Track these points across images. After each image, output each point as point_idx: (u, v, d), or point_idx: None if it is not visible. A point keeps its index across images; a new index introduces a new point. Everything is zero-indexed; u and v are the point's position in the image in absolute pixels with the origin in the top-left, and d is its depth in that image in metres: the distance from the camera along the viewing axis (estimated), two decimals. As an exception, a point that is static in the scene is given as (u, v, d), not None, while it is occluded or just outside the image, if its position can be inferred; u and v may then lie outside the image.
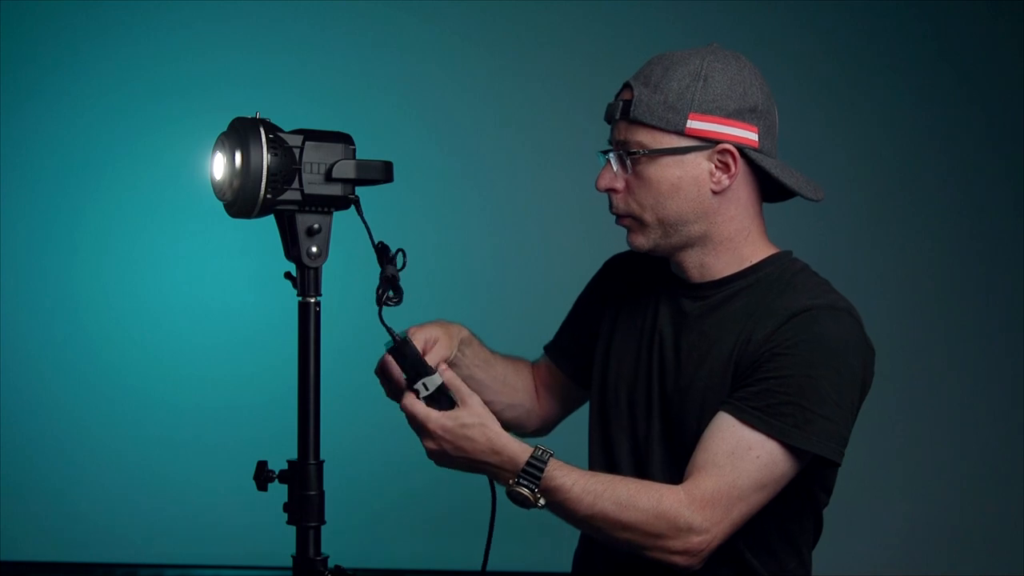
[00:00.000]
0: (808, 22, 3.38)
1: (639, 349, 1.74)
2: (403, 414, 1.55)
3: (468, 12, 3.38)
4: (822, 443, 1.56)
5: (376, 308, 1.46)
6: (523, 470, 1.51)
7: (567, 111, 3.30)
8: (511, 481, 1.51)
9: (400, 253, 1.47)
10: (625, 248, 1.74)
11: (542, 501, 1.51)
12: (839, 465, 1.60)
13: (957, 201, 3.35)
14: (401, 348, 1.51)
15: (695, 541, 1.53)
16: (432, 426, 1.52)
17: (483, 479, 1.58)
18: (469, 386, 1.59)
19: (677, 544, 1.53)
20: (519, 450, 1.52)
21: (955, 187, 3.35)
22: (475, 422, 1.52)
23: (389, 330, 1.50)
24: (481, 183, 3.40)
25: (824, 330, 1.59)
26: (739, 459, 1.54)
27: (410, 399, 1.53)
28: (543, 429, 1.95)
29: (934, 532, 3.29)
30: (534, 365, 1.93)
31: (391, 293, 1.47)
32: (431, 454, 1.54)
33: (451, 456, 1.53)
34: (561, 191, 3.35)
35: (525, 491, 1.50)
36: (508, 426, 1.85)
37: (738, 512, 1.55)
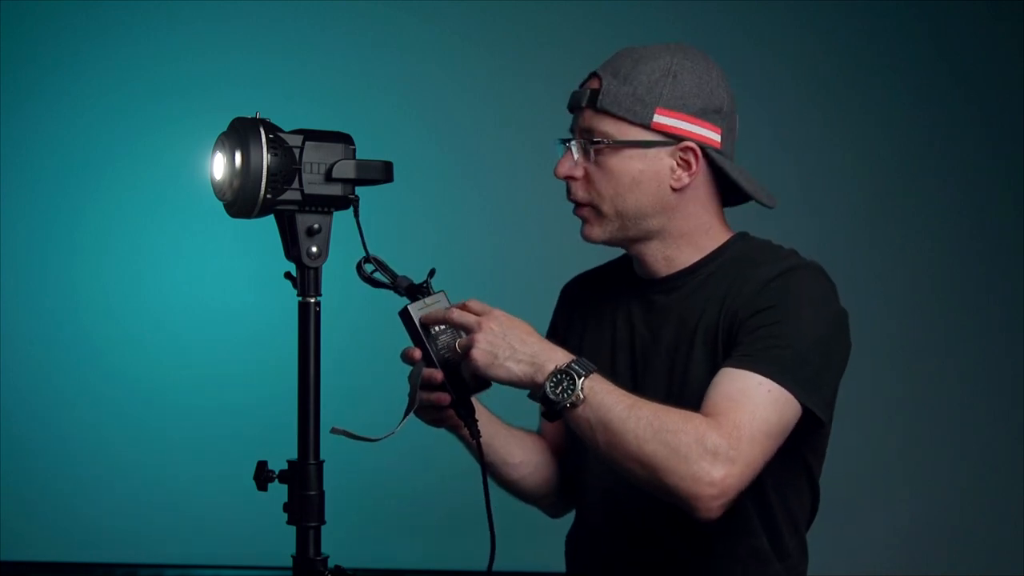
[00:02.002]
0: (808, 22, 3.38)
1: (626, 356, 1.73)
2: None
3: (468, 12, 3.38)
4: (808, 393, 1.55)
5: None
6: (575, 360, 1.49)
7: (567, 111, 3.29)
8: (557, 366, 1.49)
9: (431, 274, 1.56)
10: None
11: (584, 393, 1.47)
12: (823, 424, 1.59)
13: (956, 201, 3.35)
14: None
15: (720, 471, 1.44)
16: (498, 312, 1.54)
17: (478, 481, 1.58)
18: (494, 441, 1.67)
19: (702, 468, 1.44)
20: (568, 353, 1.53)
21: (954, 187, 3.35)
22: (531, 327, 1.56)
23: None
24: (481, 183, 3.40)
25: (804, 285, 1.62)
26: (752, 393, 1.51)
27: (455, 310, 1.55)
28: (567, 494, 1.89)
29: (934, 532, 3.29)
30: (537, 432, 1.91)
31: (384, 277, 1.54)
32: (485, 338, 1.51)
33: (504, 340, 1.51)
34: (561, 191, 3.32)
35: (573, 374, 1.47)
36: (533, 495, 1.86)
37: (760, 451, 1.50)
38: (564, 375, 1.48)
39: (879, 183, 3.36)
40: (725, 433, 1.46)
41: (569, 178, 1.69)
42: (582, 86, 1.70)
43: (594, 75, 1.69)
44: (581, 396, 1.47)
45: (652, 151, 1.65)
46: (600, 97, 1.64)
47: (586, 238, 1.72)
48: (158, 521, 3.35)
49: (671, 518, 1.59)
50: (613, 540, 1.72)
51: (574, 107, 1.70)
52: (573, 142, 1.68)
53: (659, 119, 1.64)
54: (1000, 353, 3.32)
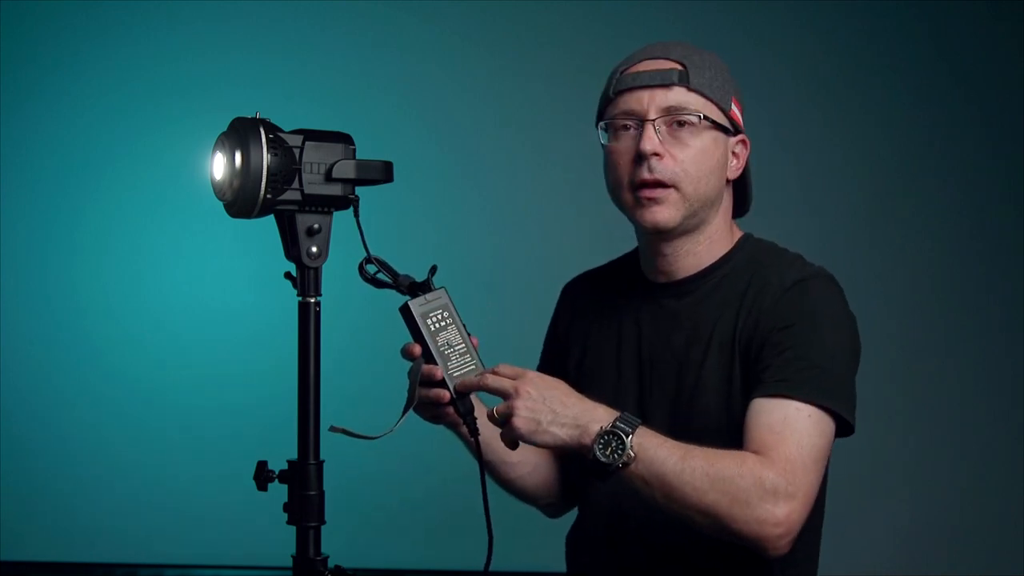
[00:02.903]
0: (808, 22, 3.38)
1: (632, 360, 1.73)
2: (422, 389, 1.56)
3: (468, 12, 3.38)
4: (844, 406, 1.56)
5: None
6: (619, 418, 1.47)
7: (567, 111, 3.29)
8: (603, 427, 1.46)
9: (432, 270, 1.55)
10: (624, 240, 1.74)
11: (633, 451, 1.45)
12: (853, 431, 1.59)
13: (957, 201, 3.35)
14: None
15: (784, 509, 1.45)
16: (531, 374, 1.51)
17: (478, 481, 1.58)
18: (494, 440, 1.63)
19: (766, 510, 1.45)
20: (609, 408, 1.50)
21: (954, 187, 3.35)
22: (567, 385, 1.53)
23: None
24: (481, 183, 3.40)
25: (820, 297, 1.63)
26: (794, 422, 1.52)
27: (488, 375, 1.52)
28: (566, 495, 1.89)
29: (934, 532, 3.29)
30: None
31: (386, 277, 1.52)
32: (524, 404, 1.48)
33: (544, 404, 1.48)
34: (561, 191, 3.34)
35: (621, 433, 1.44)
36: (532, 495, 1.85)
37: (814, 478, 1.51)
38: (611, 436, 1.46)
39: (879, 183, 3.36)
40: (780, 469, 1.47)
41: (655, 155, 1.63)
42: (635, 70, 1.66)
43: (663, 59, 1.66)
44: (632, 455, 1.45)
45: (726, 138, 1.67)
46: (692, 77, 1.64)
47: (656, 223, 1.65)
48: (158, 521, 3.35)
49: (674, 524, 1.59)
50: (615, 543, 1.72)
51: (656, 84, 1.64)
52: (659, 119, 1.63)
53: (733, 108, 1.67)
54: (1000, 353, 3.32)
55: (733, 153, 1.68)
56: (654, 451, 1.46)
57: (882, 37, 3.36)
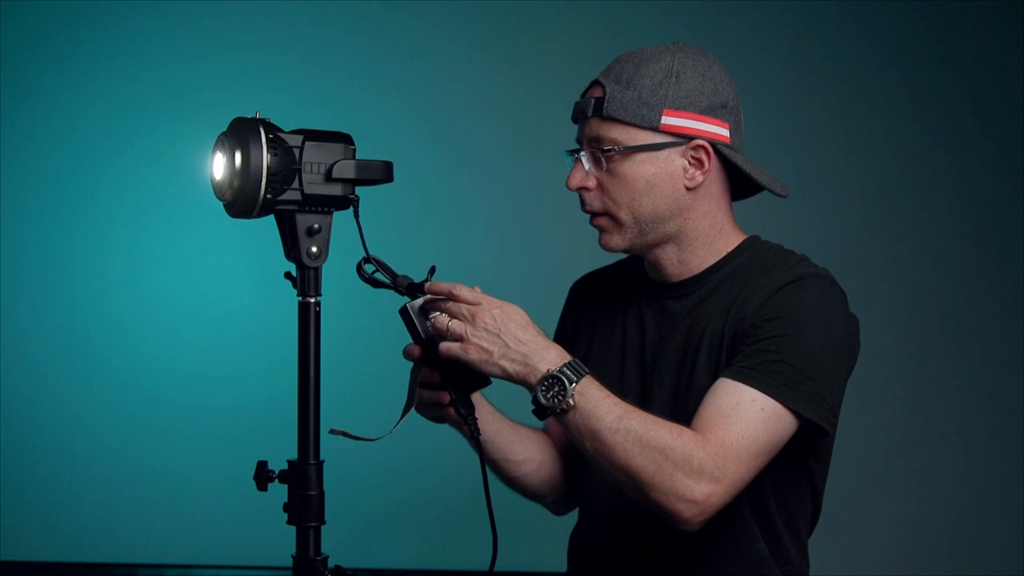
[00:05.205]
0: (808, 22, 3.38)
1: (635, 360, 1.73)
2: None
3: (468, 12, 3.39)
4: (811, 406, 1.54)
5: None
6: (568, 363, 1.50)
7: (567, 111, 3.29)
8: (549, 369, 1.49)
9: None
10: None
11: (574, 399, 1.48)
12: (827, 433, 1.58)
13: (957, 201, 3.35)
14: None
15: (704, 490, 1.47)
16: (492, 303, 1.53)
17: (478, 481, 1.58)
18: (497, 438, 1.66)
19: (687, 486, 1.47)
20: (563, 351, 1.52)
21: (955, 187, 3.35)
22: (527, 317, 1.54)
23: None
24: (481, 183, 3.40)
25: (812, 296, 1.60)
26: (744, 411, 1.52)
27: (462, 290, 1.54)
28: (571, 492, 1.89)
29: (934, 532, 3.29)
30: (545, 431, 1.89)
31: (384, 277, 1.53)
32: (477, 333, 1.51)
33: (499, 336, 1.51)
34: (561, 191, 3.32)
35: (565, 380, 1.47)
36: (536, 492, 1.85)
37: (746, 469, 1.51)
38: (555, 380, 1.48)
39: (879, 183, 3.36)
40: (712, 452, 1.48)
41: (582, 189, 1.67)
42: (584, 95, 1.69)
43: (596, 83, 1.67)
44: (571, 403, 1.48)
45: (663, 153, 1.64)
46: (606, 105, 1.63)
47: (605, 247, 1.70)
48: (158, 521, 3.35)
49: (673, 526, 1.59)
50: (615, 541, 1.72)
51: (579, 117, 1.69)
52: (582, 152, 1.66)
53: (667, 120, 1.63)
54: (1000, 353, 3.32)
55: (694, 159, 1.64)
56: (594, 404, 1.49)
57: (882, 37, 3.36)
